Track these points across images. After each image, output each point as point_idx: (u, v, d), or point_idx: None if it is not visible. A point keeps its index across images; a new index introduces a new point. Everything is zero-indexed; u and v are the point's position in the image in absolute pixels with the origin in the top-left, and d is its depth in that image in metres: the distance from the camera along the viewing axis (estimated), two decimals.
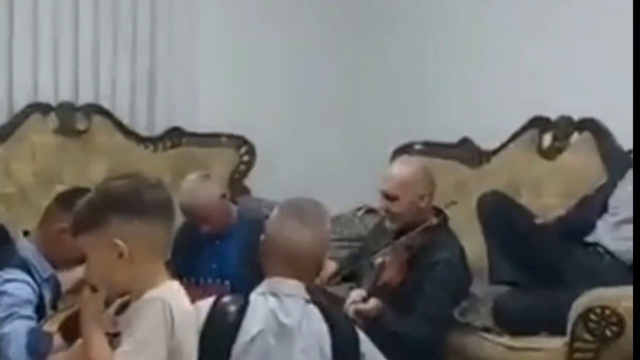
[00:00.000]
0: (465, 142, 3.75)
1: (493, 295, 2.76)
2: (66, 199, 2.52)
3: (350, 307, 2.44)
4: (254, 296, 1.79)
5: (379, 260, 2.57)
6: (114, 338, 1.54)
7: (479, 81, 3.77)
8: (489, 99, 3.70)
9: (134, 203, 1.55)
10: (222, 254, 2.92)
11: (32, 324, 2.30)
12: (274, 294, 1.78)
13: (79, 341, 2.20)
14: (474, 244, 2.97)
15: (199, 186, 2.92)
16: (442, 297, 2.51)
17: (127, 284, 1.55)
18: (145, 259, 1.54)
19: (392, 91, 4.16)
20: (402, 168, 2.72)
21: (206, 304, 1.77)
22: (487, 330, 2.67)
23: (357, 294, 2.51)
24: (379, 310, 2.46)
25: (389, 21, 4.19)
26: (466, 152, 3.73)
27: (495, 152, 3.64)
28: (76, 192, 2.60)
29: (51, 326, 2.38)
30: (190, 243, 2.96)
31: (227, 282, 2.62)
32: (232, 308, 1.75)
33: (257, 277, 2.18)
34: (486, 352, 2.66)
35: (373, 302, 2.47)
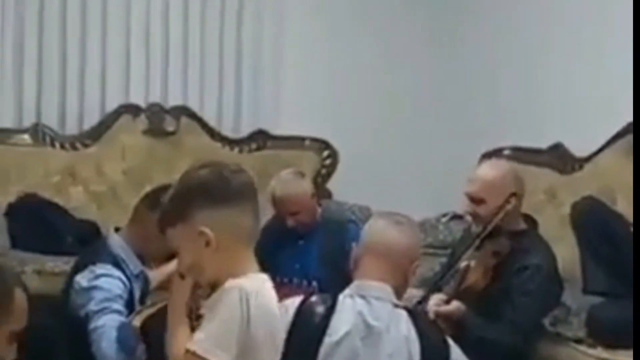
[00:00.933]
0: (556, 147, 3.63)
1: (586, 305, 2.66)
2: (154, 198, 2.57)
3: (431, 309, 2.34)
4: (341, 297, 1.77)
5: (463, 264, 2.47)
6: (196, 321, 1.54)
7: (572, 86, 3.64)
8: (583, 104, 3.57)
9: (218, 190, 1.53)
10: (305, 254, 2.93)
11: (122, 318, 2.34)
12: (362, 296, 1.76)
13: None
14: (565, 252, 2.86)
15: (293, 180, 2.95)
16: (531, 304, 2.39)
17: (216, 272, 1.53)
18: (233, 247, 1.52)
19: (481, 96, 4.07)
20: (488, 170, 2.60)
21: (293, 303, 1.77)
22: (579, 341, 2.58)
23: (437, 297, 2.41)
24: (462, 314, 2.36)
25: (479, 25, 4.11)
26: (557, 158, 3.61)
27: (588, 158, 3.51)
28: (164, 190, 2.67)
29: (138, 321, 2.43)
30: (275, 241, 2.97)
31: (314, 284, 2.60)
32: (320, 308, 1.74)
33: (338, 280, 2.18)
34: None
35: (455, 305, 2.36)
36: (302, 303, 1.76)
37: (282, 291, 2.02)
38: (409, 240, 1.84)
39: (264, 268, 2.88)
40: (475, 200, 2.50)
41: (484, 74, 4.05)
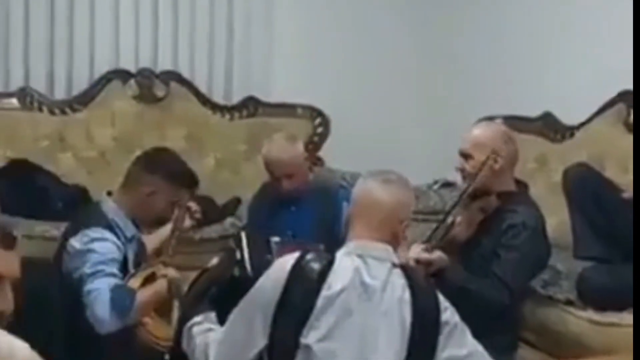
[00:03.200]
0: (547, 116, 3.65)
1: (576, 269, 2.68)
2: (149, 161, 2.56)
3: (411, 257, 2.29)
4: (339, 255, 1.78)
5: (450, 219, 2.47)
6: None
7: (563, 54, 3.65)
8: (573, 73, 3.57)
9: None
10: (297, 220, 2.92)
11: (117, 281, 2.35)
12: (360, 255, 1.76)
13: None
14: (556, 219, 2.89)
15: (287, 142, 2.93)
16: (517, 260, 2.37)
17: None
18: None
19: (473, 64, 4.07)
20: (479, 128, 2.61)
21: (291, 258, 1.77)
22: (570, 303, 2.61)
23: (417, 246, 2.36)
24: (444, 263, 2.33)
25: None
26: (548, 126, 3.64)
27: (579, 127, 3.54)
28: (157, 153, 2.66)
29: (133, 284, 2.43)
30: (267, 208, 2.97)
31: (321, 246, 2.59)
32: (317, 264, 1.74)
33: (331, 245, 2.18)
34: (569, 326, 2.60)
35: (437, 254, 2.33)
36: (300, 258, 1.75)
37: (289, 249, 2.03)
38: (396, 198, 1.81)
39: (256, 230, 2.90)
40: (463, 155, 2.51)
41: (477, 42, 4.04)
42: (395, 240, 1.84)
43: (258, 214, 3.05)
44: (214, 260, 2.68)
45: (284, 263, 1.75)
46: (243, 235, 2.43)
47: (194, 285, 2.18)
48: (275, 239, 2.61)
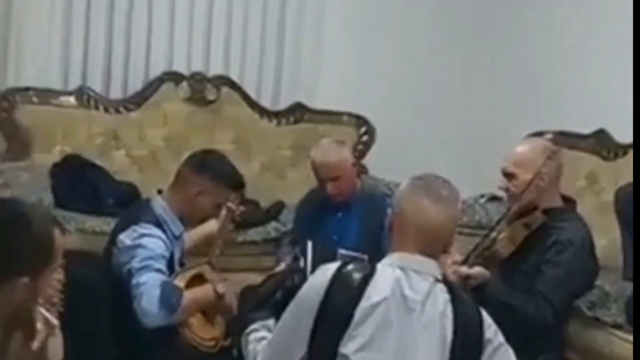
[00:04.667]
0: (600, 133, 3.59)
1: (625, 291, 2.61)
2: (198, 162, 2.60)
3: (450, 268, 2.25)
4: (380, 266, 1.75)
5: (493, 234, 2.42)
6: None
7: (619, 71, 3.58)
8: (629, 90, 3.51)
9: None
10: (343, 226, 2.93)
11: (164, 277, 2.37)
12: (402, 268, 1.73)
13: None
14: (604, 238, 2.83)
15: (334, 146, 2.95)
16: (561, 277, 2.31)
17: None
18: None
19: (527, 79, 4.02)
20: (523, 146, 2.53)
21: (333, 266, 1.76)
22: (617, 327, 2.55)
23: (454, 255, 2.31)
24: (484, 278, 2.29)
25: (526, 6, 4.06)
26: (601, 143, 3.57)
27: (632, 145, 3.45)
28: (207, 155, 2.70)
29: (179, 282, 2.46)
30: (313, 213, 2.98)
31: (366, 257, 2.59)
32: (358, 274, 1.71)
33: (376, 253, 2.18)
34: (615, 349, 2.54)
35: (477, 269, 2.29)
36: (341, 267, 1.74)
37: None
38: (447, 218, 1.75)
39: (303, 239, 2.92)
40: (506, 175, 2.46)
41: (531, 56, 4.00)
42: (445, 252, 1.80)
43: (304, 218, 3.07)
44: (282, 266, 2.70)
45: (326, 271, 1.73)
46: (309, 244, 2.46)
47: (259, 288, 2.20)
48: (343, 251, 2.62)
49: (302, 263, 2.32)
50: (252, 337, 1.86)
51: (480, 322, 1.71)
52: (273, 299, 1.98)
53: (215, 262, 2.61)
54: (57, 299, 1.92)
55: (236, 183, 2.62)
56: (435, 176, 1.82)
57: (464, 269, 2.27)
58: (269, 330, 1.86)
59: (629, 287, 2.66)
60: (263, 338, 1.83)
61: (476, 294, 2.22)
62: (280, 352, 1.74)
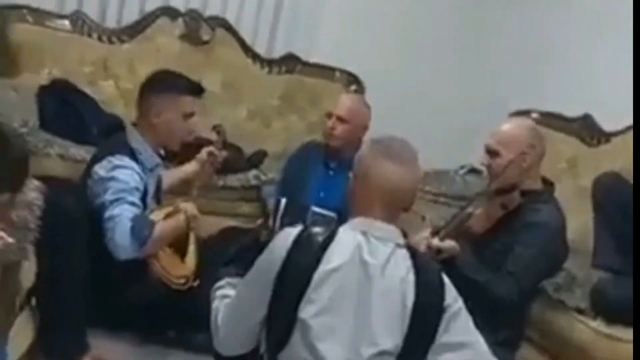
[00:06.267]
0: (586, 118, 3.61)
1: (591, 277, 2.67)
2: (152, 82, 2.59)
3: (422, 241, 2.26)
4: (342, 230, 1.74)
5: (469, 209, 2.42)
6: None
7: (611, 58, 3.59)
8: (619, 78, 3.52)
9: None
10: (331, 184, 2.94)
11: (137, 210, 2.39)
12: (363, 233, 1.72)
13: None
14: (577, 223, 2.86)
15: (361, 100, 3.08)
16: (531, 258, 2.33)
17: None
18: None
19: (517, 57, 4.02)
20: (507, 124, 2.52)
21: (296, 229, 1.75)
22: (580, 312, 2.59)
23: (427, 231, 2.33)
24: (455, 252, 2.29)
25: None
26: (586, 129, 3.60)
27: (617, 134, 3.49)
28: (157, 74, 2.66)
29: (155, 217, 2.48)
30: (305, 164, 3.00)
31: (334, 214, 2.62)
32: (319, 238, 1.70)
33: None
34: (575, 334, 2.58)
35: (448, 242, 2.30)
36: (303, 230, 1.73)
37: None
38: (411, 181, 1.74)
39: (289, 188, 2.93)
40: (490, 152, 2.46)
41: (522, 34, 3.99)
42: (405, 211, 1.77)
43: (295, 167, 3.07)
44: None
45: (288, 234, 1.72)
46: (282, 202, 2.46)
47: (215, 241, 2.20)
48: (316, 209, 2.63)
49: (271, 221, 2.34)
50: (218, 293, 1.87)
51: (442, 288, 1.71)
52: (240, 256, 1.98)
53: (192, 202, 2.62)
54: (34, 224, 1.94)
55: (194, 87, 2.59)
56: (393, 138, 1.78)
57: (436, 242, 2.28)
58: (234, 287, 1.85)
59: (595, 273, 2.71)
60: (226, 296, 1.83)
61: (444, 266, 2.17)
62: (241, 313, 1.74)
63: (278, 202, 2.46)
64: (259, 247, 1.81)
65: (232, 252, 2.06)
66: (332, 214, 2.60)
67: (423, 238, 2.29)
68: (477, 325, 1.75)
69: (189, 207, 2.51)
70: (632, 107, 3.34)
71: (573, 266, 2.66)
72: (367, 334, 1.66)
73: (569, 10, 3.82)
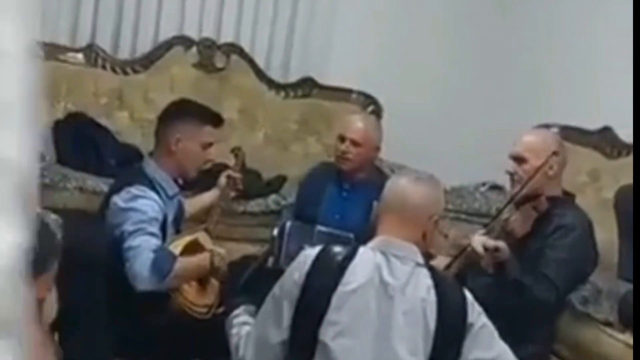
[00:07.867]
0: (605, 130, 3.57)
1: (618, 289, 2.63)
2: (170, 112, 2.60)
3: (479, 241, 2.29)
4: (362, 250, 1.75)
5: (504, 215, 2.47)
6: None
7: (628, 70, 3.56)
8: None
9: None
10: (346, 206, 2.92)
11: (157, 241, 2.37)
12: (383, 252, 1.72)
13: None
14: (602, 236, 2.82)
15: (373, 121, 3.12)
16: (564, 261, 2.39)
17: None
18: None
19: (534, 71, 4.00)
20: (533, 134, 2.64)
21: (315, 249, 1.76)
22: (608, 324, 2.56)
23: (479, 235, 2.38)
24: (507, 256, 2.32)
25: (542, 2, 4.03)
26: (605, 141, 3.57)
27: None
28: (175, 103, 2.69)
29: (175, 248, 2.46)
30: (319, 187, 2.98)
31: (351, 235, 2.60)
32: (339, 257, 1.71)
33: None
34: (604, 347, 2.55)
35: (502, 244, 2.32)
36: (322, 250, 1.74)
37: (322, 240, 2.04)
38: (426, 195, 1.79)
39: (304, 212, 2.92)
40: (517, 159, 2.51)
41: (543, 50, 3.97)
42: (425, 238, 1.80)
43: (309, 190, 3.05)
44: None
45: (308, 255, 1.73)
46: (287, 225, 2.45)
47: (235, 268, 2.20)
48: (321, 228, 2.61)
49: (277, 246, 2.32)
50: (235, 321, 1.87)
51: (464, 306, 1.70)
52: (249, 287, 2.00)
53: (212, 230, 2.61)
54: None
55: (214, 118, 2.58)
56: (420, 171, 1.90)
57: (492, 241, 2.30)
58: (251, 314, 1.86)
59: (622, 285, 2.67)
60: (246, 323, 1.83)
61: (497, 271, 2.28)
62: (264, 336, 1.74)
63: (283, 226, 2.44)
64: (267, 273, 1.83)
65: (241, 283, 2.05)
66: (349, 235, 2.59)
67: (479, 239, 2.32)
68: (506, 338, 1.74)
69: (216, 249, 2.49)
70: None
71: (598, 279, 2.64)
72: (389, 355, 1.64)
73: (590, 24, 3.80)
